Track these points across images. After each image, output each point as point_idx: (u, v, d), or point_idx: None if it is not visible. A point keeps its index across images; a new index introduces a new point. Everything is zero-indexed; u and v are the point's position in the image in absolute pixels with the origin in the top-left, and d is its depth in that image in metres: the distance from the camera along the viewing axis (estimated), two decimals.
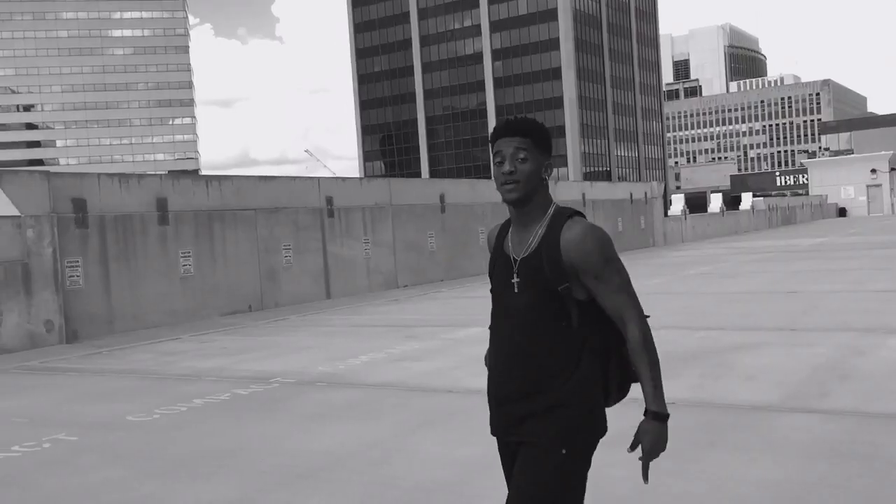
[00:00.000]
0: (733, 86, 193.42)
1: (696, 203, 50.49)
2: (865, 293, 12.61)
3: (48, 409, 7.56)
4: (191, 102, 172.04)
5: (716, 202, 40.66)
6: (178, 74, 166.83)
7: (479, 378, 7.49)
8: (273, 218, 15.57)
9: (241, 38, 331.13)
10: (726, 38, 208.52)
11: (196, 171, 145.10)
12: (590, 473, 2.43)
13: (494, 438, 2.57)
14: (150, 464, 5.46)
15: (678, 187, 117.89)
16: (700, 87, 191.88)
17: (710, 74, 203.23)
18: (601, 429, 2.43)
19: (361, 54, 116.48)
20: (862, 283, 14.11)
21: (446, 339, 10.36)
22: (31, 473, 5.40)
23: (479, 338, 10.36)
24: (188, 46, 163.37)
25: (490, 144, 2.48)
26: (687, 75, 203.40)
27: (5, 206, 11.62)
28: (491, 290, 2.54)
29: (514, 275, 2.43)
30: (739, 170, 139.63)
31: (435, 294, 16.78)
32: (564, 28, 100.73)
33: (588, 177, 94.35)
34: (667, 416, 2.37)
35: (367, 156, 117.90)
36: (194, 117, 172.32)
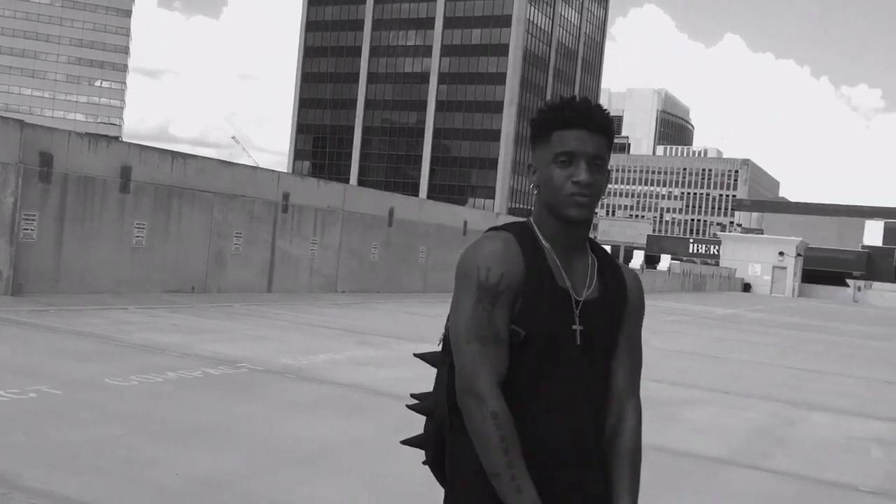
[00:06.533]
0: (660, 149, 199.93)
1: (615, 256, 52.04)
2: (782, 368, 13.50)
3: (20, 361, 7.54)
4: (124, 68, 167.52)
5: (638, 259, 42.19)
6: (116, 38, 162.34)
7: None
8: (229, 204, 15.59)
9: (182, 10, 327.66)
10: (660, 103, 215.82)
11: (116, 139, 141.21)
12: None
13: None
14: (147, 427, 5.62)
15: (595, 237, 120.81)
16: (629, 144, 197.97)
17: (641, 135, 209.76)
18: None
19: (309, 52, 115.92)
20: (778, 358, 15.07)
21: (401, 351, 10.66)
22: (30, 421, 5.48)
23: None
24: (131, 11, 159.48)
25: (540, 128, 1.85)
26: (619, 131, 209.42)
27: None
28: (529, 334, 1.80)
29: (577, 320, 1.84)
30: (654, 230, 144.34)
31: (374, 304, 17.04)
32: (513, 65, 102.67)
33: (512, 213, 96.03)
34: None
35: (297, 154, 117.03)
36: (124, 84, 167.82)
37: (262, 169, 16.94)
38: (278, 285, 16.89)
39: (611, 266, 1.96)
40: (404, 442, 2.05)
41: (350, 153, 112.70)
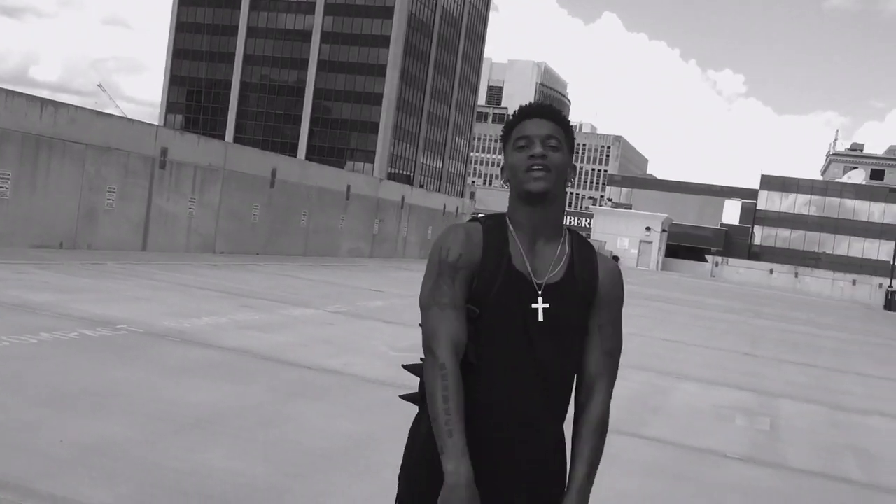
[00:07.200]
0: None
1: None
2: (653, 340, 14.16)
3: None
4: None
5: None
6: None
7: (332, 360, 7.86)
8: (103, 157, 14.84)
9: None
10: (540, 76, 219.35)
11: None
12: None
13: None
14: (25, 391, 5.34)
15: (474, 207, 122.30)
16: (508, 115, 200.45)
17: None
18: None
19: (185, 1, 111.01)
20: (648, 329, 15.78)
21: (284, 315, 10.52)
22: None
23: (315, 319, 10.63)
24: None
25: (504, 133, 2.12)
26: (499, 102, 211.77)
27: None
28: (483, 311, 1.95)
29: (539, 299, 1.97)
30: None
31: (254, 266, 16.70)
32: (397, 28, 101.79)
33: (392, 177, 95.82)
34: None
35: (170, 106, 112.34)
36: None
37: (140, 122, 16.17)
38: (154, 244, 16.27)
39: (586, 257, 2.08)
40: (402, 397, 2.16)
41: (226, 109, 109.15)
